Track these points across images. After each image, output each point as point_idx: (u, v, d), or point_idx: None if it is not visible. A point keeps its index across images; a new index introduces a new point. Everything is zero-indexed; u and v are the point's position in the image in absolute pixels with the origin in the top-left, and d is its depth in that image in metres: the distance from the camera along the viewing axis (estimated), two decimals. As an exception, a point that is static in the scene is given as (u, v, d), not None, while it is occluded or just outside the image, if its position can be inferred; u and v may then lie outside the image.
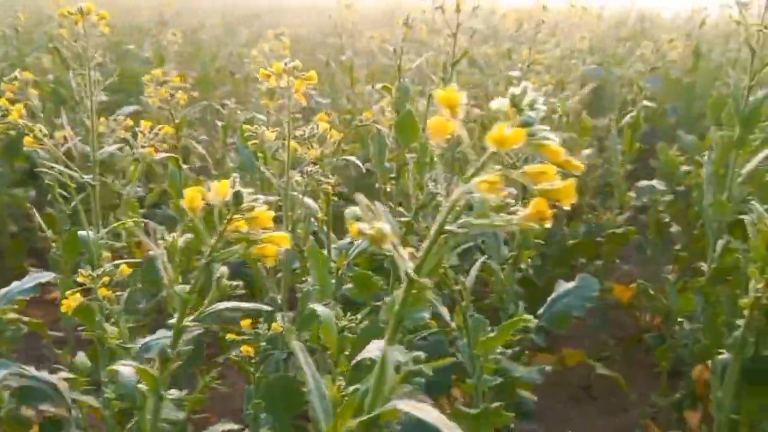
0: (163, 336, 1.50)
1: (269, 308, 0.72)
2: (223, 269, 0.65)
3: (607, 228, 2.49)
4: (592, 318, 2.77)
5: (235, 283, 0.66)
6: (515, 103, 0.47)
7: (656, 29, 4.67)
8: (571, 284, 1.81)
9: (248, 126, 1.20)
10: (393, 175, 2.03)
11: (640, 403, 2.34)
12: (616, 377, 2.31)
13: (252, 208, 0.61)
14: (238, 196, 0.61)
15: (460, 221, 0.51)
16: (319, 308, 1.05)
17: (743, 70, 2.24)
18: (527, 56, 2.52)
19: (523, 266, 2.28)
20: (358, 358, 1.08)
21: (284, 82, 1.14)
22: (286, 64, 1.14)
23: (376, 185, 2.08)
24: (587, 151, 2.92)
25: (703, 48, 3.65)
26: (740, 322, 1.47)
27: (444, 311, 1.24)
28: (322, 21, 4.93)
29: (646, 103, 2.43)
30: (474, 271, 1.25)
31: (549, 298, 1.83)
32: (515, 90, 0.48)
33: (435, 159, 2.15)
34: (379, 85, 1.96)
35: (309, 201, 1.28)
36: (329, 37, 4.21)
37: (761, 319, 1.60)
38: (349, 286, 1.75)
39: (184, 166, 1.73)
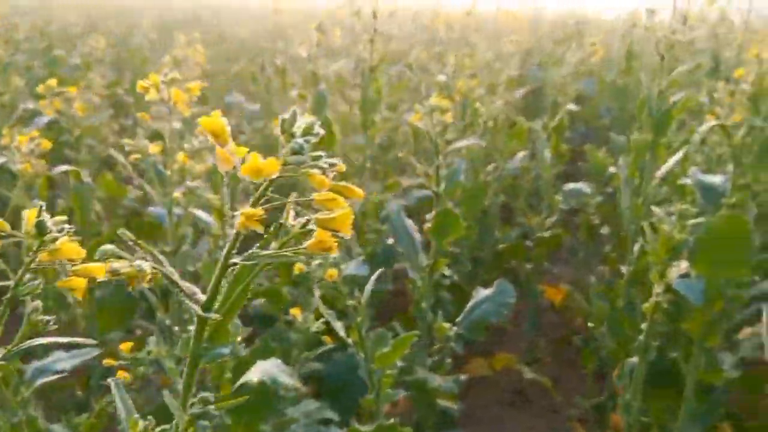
0: (58, 358, 1.44)
1: (87, 341, 0.68)
2: (35, 303, 0.61)
3: (537, 231, 2.51)
4: (525, 321, 2.79)
5: (47, 318, 0.61)
6: (285, 129, 0.44)
7: (595, 32, 4.75)
8: (488, 291, 1.81)
9: (128, 140, 1.14)
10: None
11: (571, 405, 2.36)
12: (544, 381, 2.33)
13: (55, 239, 0.56)
14: (40, 227, 0.57)
15: (246, 253, 0.48)
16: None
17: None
18: (454, 61, 2.52)
19: (448, 272, 2.28)
20: (240, 381, 1.04)
21: (165, 94, 1.10)
22: (165, 75, 1.09)
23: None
24: (520, 154, 2.95)
25: (637, 50, 3.73)
26: (644, 325, 1.48)
27: (338, 326, 1.21)
28: (266, 24, 4.84)
29: (570, 106, 2.45)
30: (369, 286, 1.22)
31: (467, 306, 1.82)
32: (284, 115, 0.45)
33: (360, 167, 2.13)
34: (295, 92, 1.93)
35: (202, 215, 1.23)
36: (269, 41, 4.14)
37: (664, 323, 1.62)
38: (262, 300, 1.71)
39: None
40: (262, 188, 0.46)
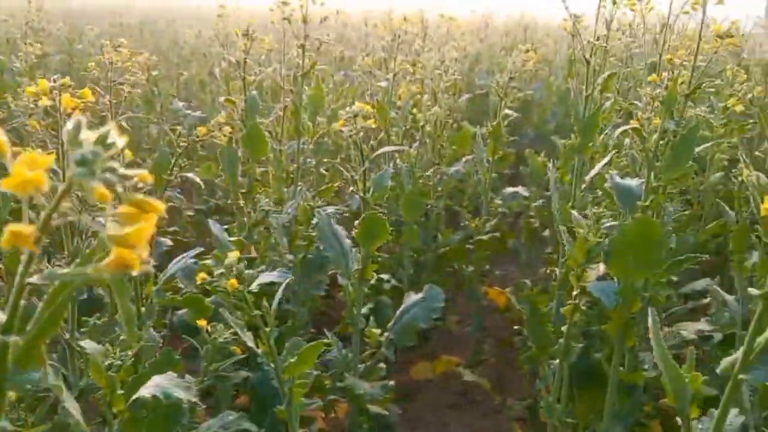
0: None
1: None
2: None
3: (477, 235, 2.53)
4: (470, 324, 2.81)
5: None
6: (70, 139, 0.43)
7: (544, 38, 4.82)
8: (418, 296, 1.81)
9: (16, 149, 1.11)
10: (244, 191, 1.97)
11: (509, 406, 2.38)
12: (483, 383, 2.34)
13: None
14: None
15: (43, 273, 0.46)
16: (86, 344, 0.98)
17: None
18: (395, 66, 2.52)
19: (386, 276, 2.28)
20: (134, 396, 1.02)
21: (53, 101, 1.07)
22: (54, 80, 1.06)
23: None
24: (465, 159, 2.97)
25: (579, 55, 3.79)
26: (564, 328, 1.50)
27: (248, 337, 1.19)
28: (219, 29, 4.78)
29: (508, 111, 2.47)
30: (278, 295, 1.21)
31: (398, 311, 1.82)
32: (69, 124, 0.43)
33: (292, 174, 2.11)
34: (222, 98, 1.90)
35: (99, 223, 1.20)
36: (220, 46, 4.09)
37: (591, 324, 1.65)
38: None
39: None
40: (53, 202, 0.45)
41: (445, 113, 2.57)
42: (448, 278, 2.61)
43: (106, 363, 0.97)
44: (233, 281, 1.08)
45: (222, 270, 1.10)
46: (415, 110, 2.41)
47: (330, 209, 2.01)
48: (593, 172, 1.94)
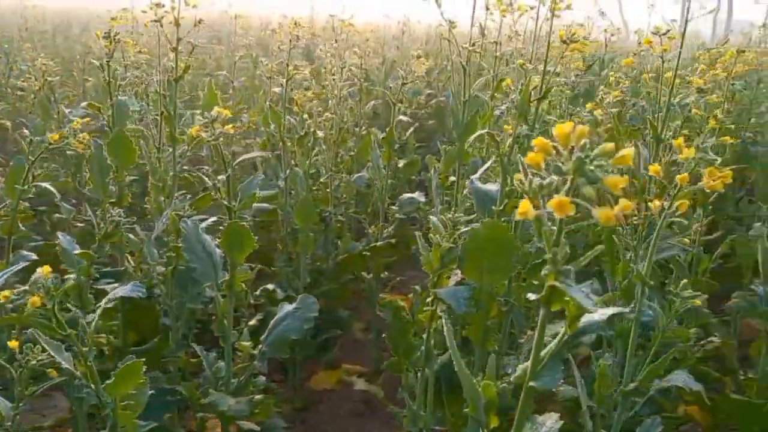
0: None
1: None
2: None
3: (375, 241, 2.51)
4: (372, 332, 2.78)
5: None
6: None
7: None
8: (291, 306, 1.76)
9: None
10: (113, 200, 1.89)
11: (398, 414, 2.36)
12: (376, 392, 2.32)
13: None
14: None
15: None
16: None
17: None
18: (287, 72, 2.48)
19: (270, 287, 2.23)
20: None
21: None
22: None
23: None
24: (368, 165, 2.95)
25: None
26: (425, 335, 1.48)
27: (65, 358, 1.12)
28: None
29: (401, 117, 2.47)
30: (99, 310, 1.14)
31: (271, 322, 1.77)
32: None
33: (169, 182, 2.04)
34: (84, 103, 1.82)
35: None
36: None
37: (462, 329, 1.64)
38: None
39: None
40: None
41: (341, 119, 2.54)
42: (347, 286, 2.58)
43: None
44: (35, 299, 1.01)
45: (26, 287, 1.03)
46: (305, 116, 2.37)
47: (211, 219, 1.95)
48: (474, 177, 1.94)
